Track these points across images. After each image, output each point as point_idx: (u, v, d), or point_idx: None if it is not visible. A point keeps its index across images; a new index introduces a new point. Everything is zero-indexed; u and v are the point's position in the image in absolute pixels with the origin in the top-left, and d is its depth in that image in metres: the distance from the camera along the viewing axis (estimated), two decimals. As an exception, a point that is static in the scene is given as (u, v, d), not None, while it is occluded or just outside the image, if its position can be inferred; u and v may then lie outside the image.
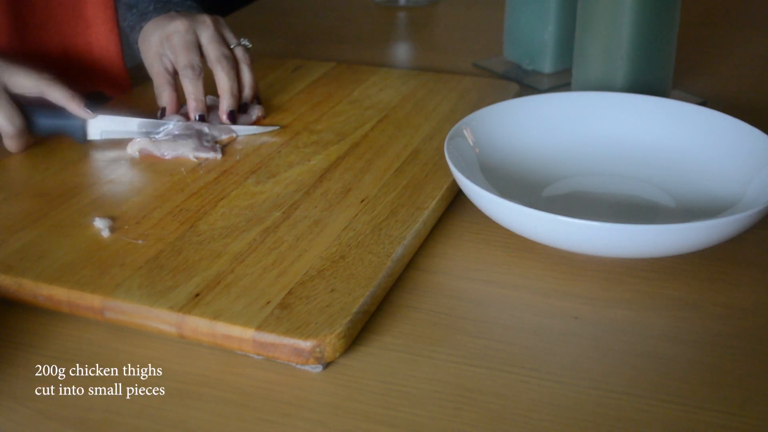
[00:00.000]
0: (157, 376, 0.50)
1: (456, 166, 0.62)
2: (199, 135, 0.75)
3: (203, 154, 0.72)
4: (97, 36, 0.86)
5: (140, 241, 0.60)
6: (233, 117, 0.77)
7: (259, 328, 0.50)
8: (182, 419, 0.47)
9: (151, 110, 0.80)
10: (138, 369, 0.51)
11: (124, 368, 0.51)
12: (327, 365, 0.51)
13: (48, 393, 0.49)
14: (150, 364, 0.51)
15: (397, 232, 0.60)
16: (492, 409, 0.47)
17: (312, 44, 1.08)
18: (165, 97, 0.78)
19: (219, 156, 0.72)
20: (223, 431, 0.46)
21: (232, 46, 0.80)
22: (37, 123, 0.74)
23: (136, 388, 0.50)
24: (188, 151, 0.72)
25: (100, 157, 0.73)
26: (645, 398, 0.48)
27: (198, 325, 0.52)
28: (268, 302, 0.53)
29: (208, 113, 0.78)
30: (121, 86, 0.89)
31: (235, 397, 0.49)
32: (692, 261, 0.60)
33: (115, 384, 0.50)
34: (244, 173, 0.70)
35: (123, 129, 0.75)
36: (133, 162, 0.72)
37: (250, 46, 0.82)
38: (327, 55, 1.01)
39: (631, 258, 0.60)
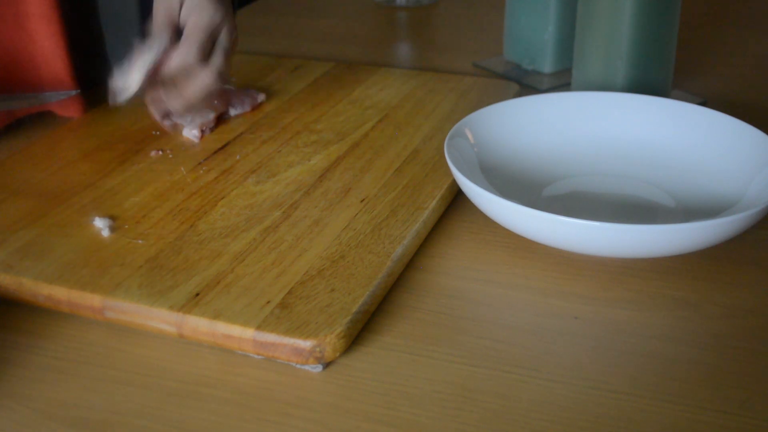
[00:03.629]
0: (157, 376, 0.51)
1: (456, 166, 0.62)
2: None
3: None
4: (42, 51, 0.79)
5: (140, 241, 0.60)
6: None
7: (259, 327, 0.50)
8: (182, 419, 0.47)
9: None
10: (138, 369, 0.51)
11: (124, 368, 0.51)
12: (327, 365, 0.51)
13: (48, 393, 0.49)
14: (150, 364, 0.51)
15: (397, 232, 0.60)
16: (492, 409, 0.47)
17: (312, 44, 1.08)
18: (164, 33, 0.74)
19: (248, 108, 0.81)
20: (223, 431, 0.47)
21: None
22: None
23: (136, 388, 0.50)
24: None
25: (100, 157, 0.73)
26: (645, 398, 0.48)
27: (198, 325, 0.52)
28: (268, 302, 0.53)
29: (230, 97, 0.81)
30: (74, 106, 0.82)
31: (235, 397, 0.49)
32: (692, 261, 0.60)
33: (115, 384, 0.50)
34: (244, 173, 0.70)
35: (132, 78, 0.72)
36: (133, 161, 0.72)
37: (233, 88, 0.84)
38: (327, 55, 1.01)
39: (631, 258, 0.60)
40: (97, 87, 0.90)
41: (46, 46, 0.79)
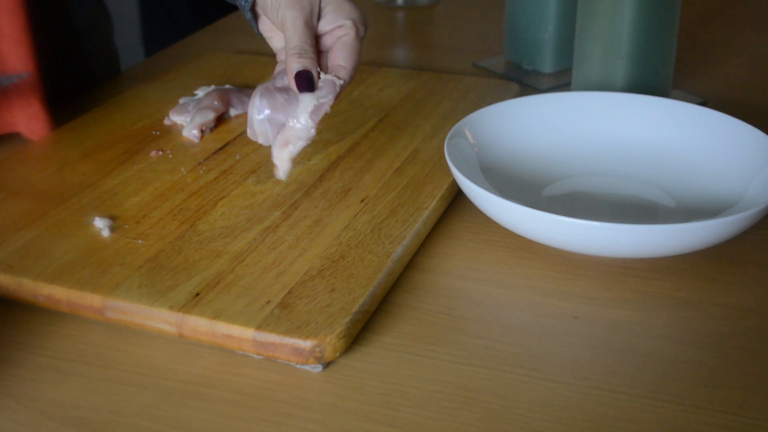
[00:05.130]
0: (157, 376, 0.51)
1: (456, 166, 0.62)
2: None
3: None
4: (12, 74, 0.77)
5: (140, 241, 0.60)
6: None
7: (259, 327, 0.50)
8: (182, 419, 0.47)
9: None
10: (138, 369, 0.51)
11: (124, 368, 0.51)
12: (327, 365, 0.51)
13: (48, 393, 0.49)
14: (150, 364, 0.51)
15: (397, 232, 0.60)
16: (492, 409, 0.47)
17: (312, 44, 1.07)
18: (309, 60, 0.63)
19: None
20: (223, 431, 0.47)
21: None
22: None
23: (136, 388, 0.50)
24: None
25: (100, 157, 0.73)
26: (645, 398, 0.48)
27: (198, 325, 0.52)
28: (268, 302, 0.53)
29: (229, 97, 0.81)
30: (40, 127, 0.79)
31: (235, 397, 0.49)
32: (692, 261, 0.60)
33: (115, 384, 0.50)
34: (244, 173, 0.70)
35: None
36: (133, 161, 0.72)
37: (233, 87, 0.85)
38: (327, 55, 1.01)
39: (631, 258, 0.60)
40: (80, 97, 0.89)
41: (16, 69, 0.77)
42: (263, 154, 0.73)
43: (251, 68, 0.94)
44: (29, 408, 0.48)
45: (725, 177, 0.66)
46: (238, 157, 0.73)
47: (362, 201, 0.65)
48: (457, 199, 0.68)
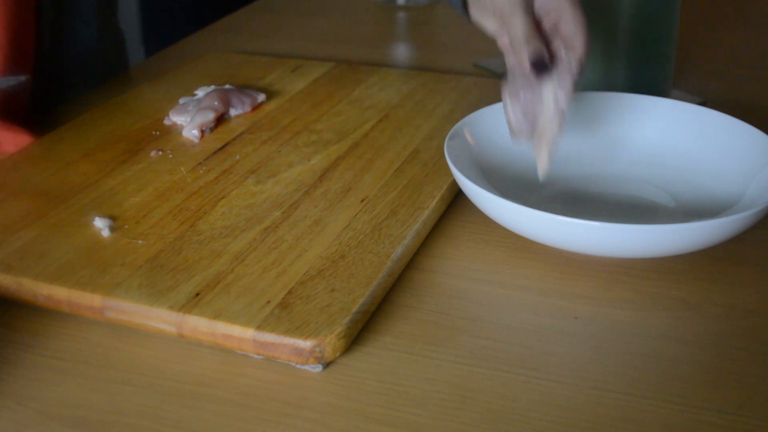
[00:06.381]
0: (157, 376, 0.51)
1: (456, 166, 0.62)
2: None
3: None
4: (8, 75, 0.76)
5: (140, 241, 0.60)
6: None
7: (259, 327, 0.50)
8: (182, 419, 0.47)
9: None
10: (138, 369, 0.51)
11: (124, 368, 0.51)
12: (327, 365, 0.51)
13: (48, 393, 0.49)
14: (150, 364, 0.51)
15: (397, 232, 0.60)
16: (492, 409, 0.47)
17: (312, 44, 1.08)
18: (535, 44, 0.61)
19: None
20: (223, 431, 0.47)
21: None
22: None
23: (136, 388, 0.50)
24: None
25: (100, 157, 0.73)
26: (645, 398, 0.48)
27: (198, 325, 0.52)
28: (268, 302, 0.53)
29: (229, 97, 0.81)
30: (22, 140, 0.77)
31: (235, 397, 0.49)
32: (692, 261, 0.60)
33: (115, 384, 0.50)
34: (244, 173, 0.70)
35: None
36: (133, 161, 0.72)
37: (233, 87, 0.84)
38: (327, 55, 1.01)
39: (631, 258, 0.60)
40: (69, 102, 0.88)
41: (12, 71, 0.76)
42: (263, 154, 0.73)
43: (251, 68, 0.94)
44: (29, 408, 0.48)
45: (725, 177, 0.66)
46: (238, 157, 0.73)
47: (362, 201, 0.65)
48: (457, 199, 0.68)
